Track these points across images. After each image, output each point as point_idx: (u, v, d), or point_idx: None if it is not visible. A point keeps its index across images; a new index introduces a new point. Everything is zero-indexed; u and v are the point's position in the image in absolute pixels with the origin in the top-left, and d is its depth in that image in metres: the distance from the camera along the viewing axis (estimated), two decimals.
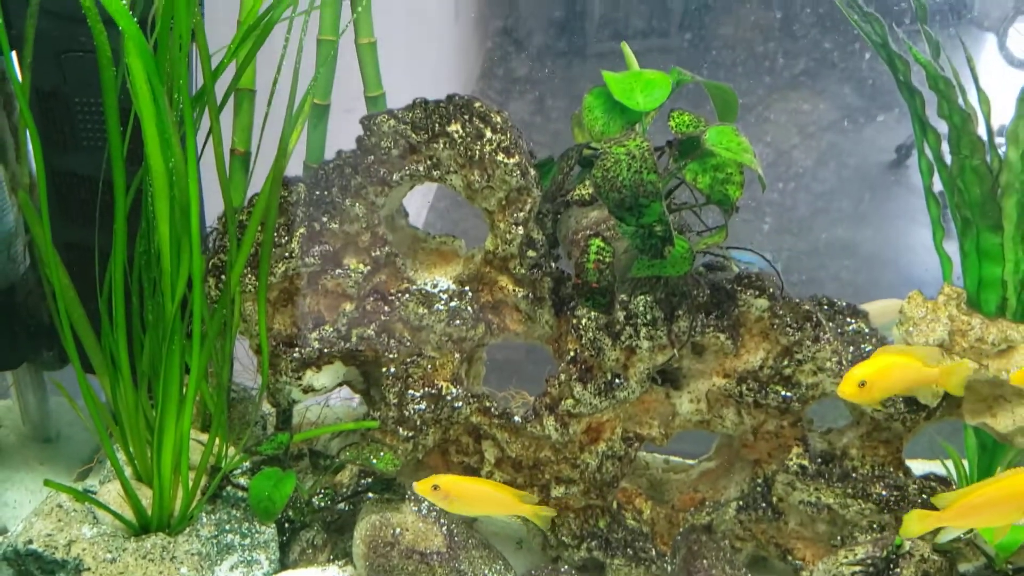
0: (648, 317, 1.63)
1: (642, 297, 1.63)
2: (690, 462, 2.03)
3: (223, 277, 1.69)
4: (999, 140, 1.78)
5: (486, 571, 1.69)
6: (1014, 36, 2.67)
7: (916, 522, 1.50)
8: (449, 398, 1.75)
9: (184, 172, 1.36)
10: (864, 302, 1.91)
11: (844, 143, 2.07)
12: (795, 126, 2.03)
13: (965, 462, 2.01)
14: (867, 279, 2.05)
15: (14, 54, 1.57)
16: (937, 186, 1.87)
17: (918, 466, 2.20)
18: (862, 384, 1.51)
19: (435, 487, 1.58)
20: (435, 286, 1.76)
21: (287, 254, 1.70)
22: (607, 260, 1.60)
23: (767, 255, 1.73)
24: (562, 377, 1.70)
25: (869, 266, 2.08)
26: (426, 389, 1.76)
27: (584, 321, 1.66)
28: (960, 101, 1.68)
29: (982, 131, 1.76)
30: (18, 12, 1.52)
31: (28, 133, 1.44)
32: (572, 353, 1.70)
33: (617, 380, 1.67)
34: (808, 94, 2.07)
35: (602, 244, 1.60)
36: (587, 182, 1.70)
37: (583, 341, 1.66)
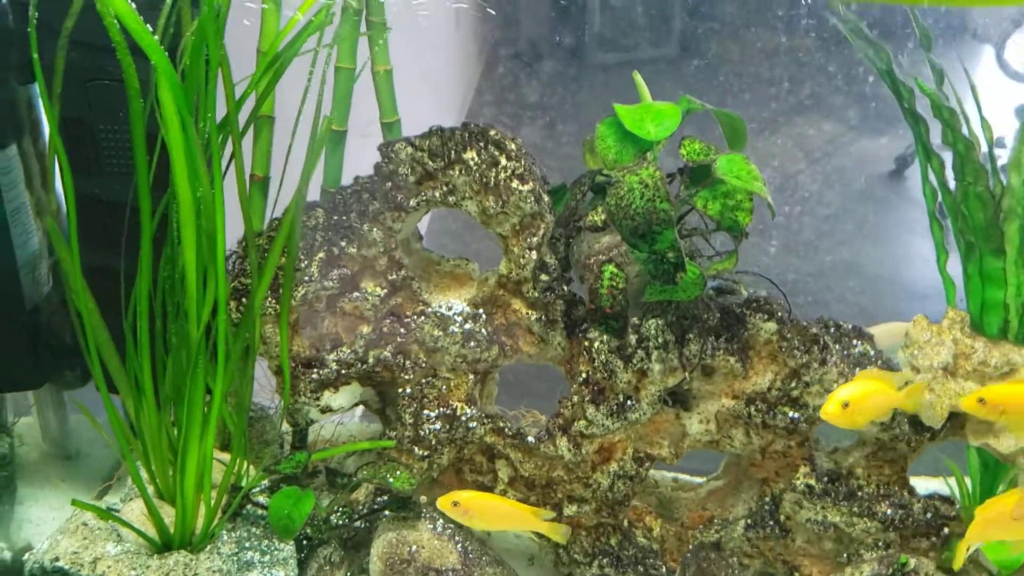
0: (659, 340, 1.67)
1: (653, 321, 1.67)
2: (699, 480, 2.07)
3: (244, 300, 1.73)
4: (999, 152, 1.82)
5: None
6: (1012, 48, 2.71)
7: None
8: (464, 418, 1.79)
9: (211, 202, 1.40)
10: (869, 322, 1.95)
11: (849, 166, 2.12)
12: (801, 150, 2.08)
13: (968, 480, 2.04)
14: (871, 300, 2.10)
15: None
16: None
17: (922, 483, 2.25)
18: (846, 406, 1.56)
19: (455, 503, 1.63)
20: (450, 308, 1.80)
21: (307, 278, 1.74)
22: (620, 286, 1.64)
23: (773, 279, 1.78)
24: (575, 399, 1.74)
25: (874, 286, 2.13)
26: (441, 409, 1.80)
27: (597, 344, 1.70)
28: (963, 130, 1.72)
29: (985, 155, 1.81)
30: (47, 42, 1.56)
31: (57, 160, 1.48)
32: (584, 375, 1.74)
33: (629, 402, 1.71)
34: (815, 118, 2.12)
35: (615, 271, 1.64)
36: (599, 208, 1.74)
37: (595, 364, 1.70)
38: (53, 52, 1.49)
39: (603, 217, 1.73)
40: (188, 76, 1.40)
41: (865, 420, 1.59)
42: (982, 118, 1.82)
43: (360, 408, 1.99)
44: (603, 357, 1.69)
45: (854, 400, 1.55)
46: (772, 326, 1.73)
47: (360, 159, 1.96)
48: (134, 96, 1.36)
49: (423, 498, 1.86)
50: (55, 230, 1.51)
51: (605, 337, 1.69)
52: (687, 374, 1.69)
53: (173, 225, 1.52)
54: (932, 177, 1.92)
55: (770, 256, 1.84)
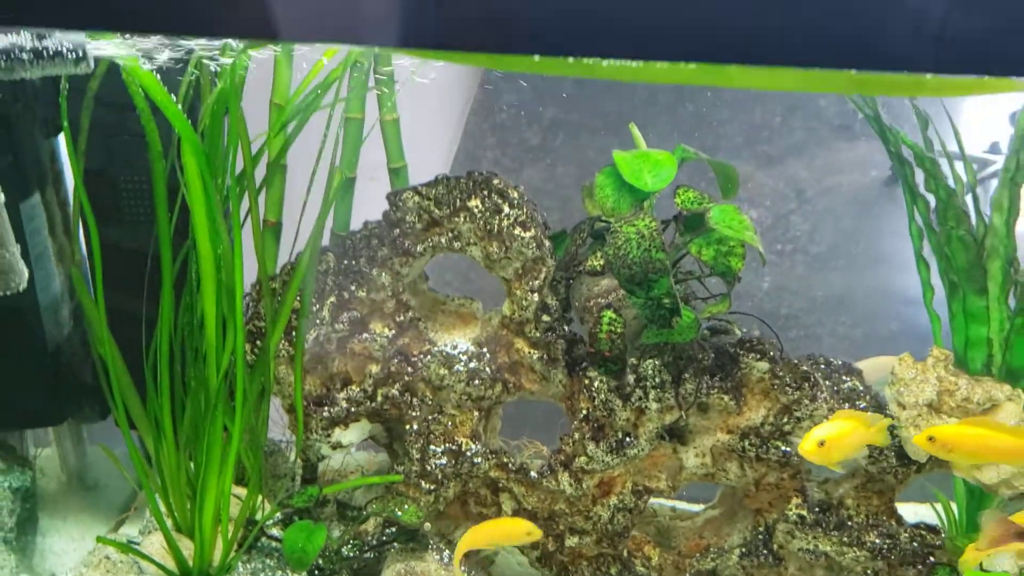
0: (656, 380, 1.75)
1: (650, 361, 1.75)
2: (695, 508, 2.14)
3: (258, 343, 1.81)
4: (995, 157, 1.89)
5: None
6: None
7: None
8: (469, 454, 1.87)
9: (231, 258, 1.47)
10: (859, 356, 2.03)
11: (839, 206, 2.20)
12: (793, 191, 2.16)
13: (954, 505, 2.12)
14: (863, 333, 2.17)
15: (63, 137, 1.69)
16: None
17: (910, 509, 2.32)
18: (821, 444, 1.64)
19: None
20: (455, 347, 1.87)
21: (318, 321, 1.81)
22: (618, 331, 1.71)
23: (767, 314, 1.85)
24: (576, 436, 1.82)
25: (865, 320, 2.20)
26: (447, 445, 1.88)
27: (596, 383, 1.77)
28: (947, 178, 1.80)
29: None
30: (71, 100, 1.63)
31: (82, 212, 1.56)
32: (585, 411, 1.82)
33: (628, 439, 1.78)
34: (806, 159, 2.20)
35: (614, 316, 1.71)
36: (598, 254, 1.82)
37: (595, 402, 1.78)
38: (77, 109, 1.57)
39: (601, 262, 1.80)
40: (208, 137, 1.48)
41: (840, 456, 1.68)
42: (965, 159, 1.91)
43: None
44: (603, 396, 1.77)
45: (830, 439, 1.64)
46: (764, 365, 1.80)
47: (367, 199, 2.04)
48: (156, 158, 1.44)
49: (427, 525, 1.94)
50: (79, 279, 1.58)
51: (604, 377, 1.77)
52: (683, 412, 1.77)
53: (192, 275, 1.60)
54: (918, 217, 2.00)
55: (763, 292, 1.91)
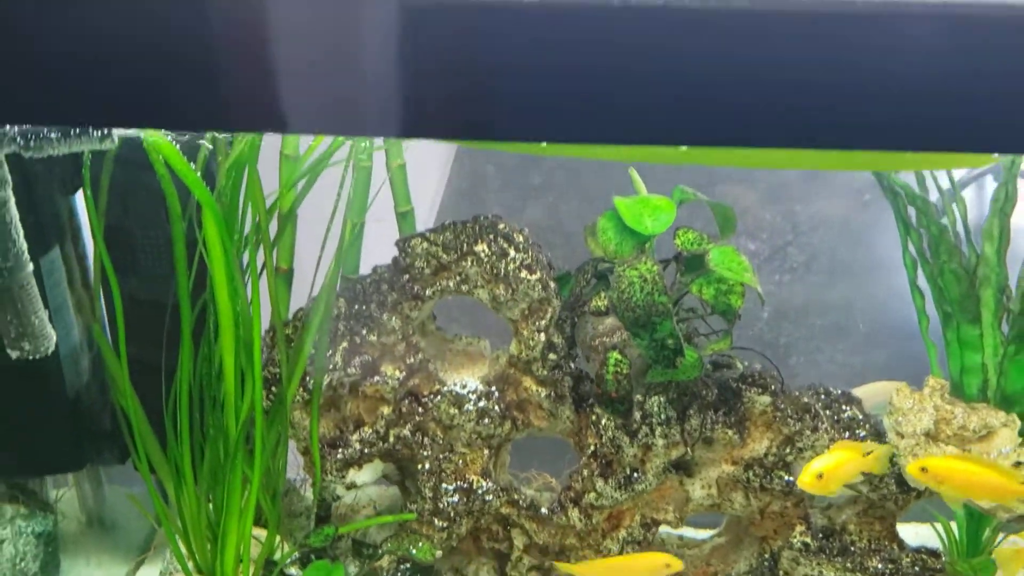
0: (662, 417, 1.80)
1: (656, 398, 1.80)
2: (703, 535, 2.19)
3: (274, 389, 1.86)
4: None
5: None
6: None
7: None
8: (480, 491, 1.92)
9: (248, 315, 1.53)
10: (859, 382, 2.09)
11: (834, 238, 2.25)
12: (789, 223, 2.22)
13: (954, 525, 2.17)
14: (861, 361, 2.23)
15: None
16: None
17: (911, 529, 2.37)
18: (820, 476, 1.70)
19: None
20: (464, 387, 1.93)
21: (331, 366, 1.87)
22: (624, 372, 1.77)
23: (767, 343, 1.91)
24: (584, 472, 1.87)
25: (863, 347, 2.26)
26: (458, 483, 1.93)
27: (604, 421, 1.83)
28: (939, 215, 1.86)
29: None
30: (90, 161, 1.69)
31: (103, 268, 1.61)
32: (593, 447, 1.87)
33: (635, 474, 1.84)
34: (799, 194, 2.26)
35: (619, 357, 1.77)
36: (602, 294, 1.88)
37: (603, 439, 1.83)
38: (97, 166, 1.62)
39: (606, 303, 1.86)
40: (225, 198, 1.53)
41: (837, 486, 1.74)
42: (956, 194, 1.97)
43: None
44: (610, 433, 1.82)
45: (827, 471, 1.70)
46: (766, 399, 1.86)
47: (376, 242, 2.10)
48: (176, 220, 1.49)
49: (438, 552, 1.98)
50: (101, 335, 1.64)
51: (611, 415, 1.82)
52: (689, 448, 1.82)
53: (211, 327, 1.66)
54: (911, 248, 2.05)
55: (764, 321, 1.97)
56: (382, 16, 0.81)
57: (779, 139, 0.85)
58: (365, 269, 1.98)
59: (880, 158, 1.13)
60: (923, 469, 1.69)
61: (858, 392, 2.04)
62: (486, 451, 1.94)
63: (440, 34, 0.83)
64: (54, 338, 1.58)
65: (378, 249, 2.02)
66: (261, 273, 1.73)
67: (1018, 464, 1.79)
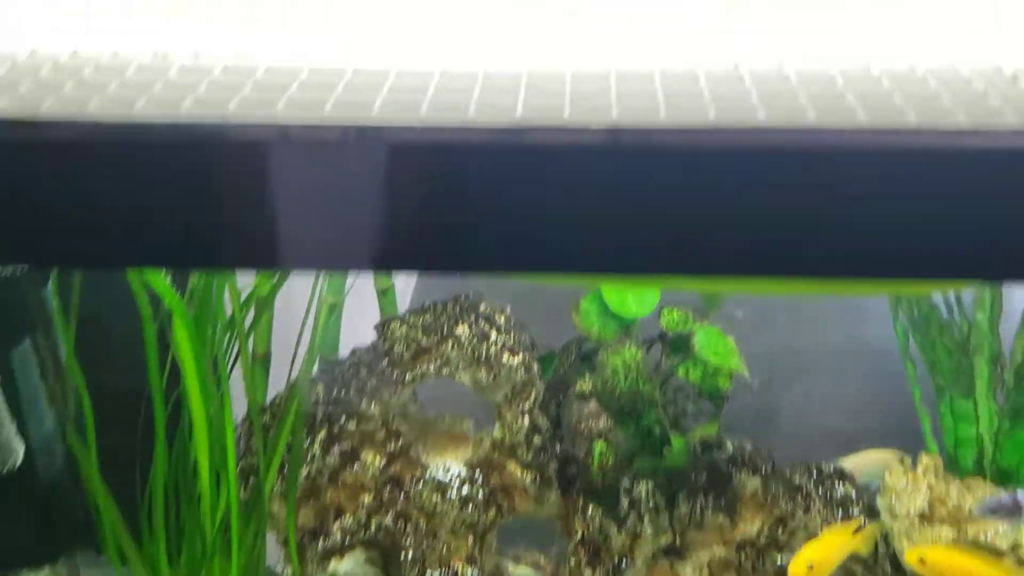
0: (650, 504, 1.76)
1: (644, 485, 1.76)
2: None
3: (250, 479, 1.81)
4: None
5: None
6: None
7: None
8: None
9: (222, 418, 1.49)
10: (852, 449, 2.05)
11: (823, 304, 2.23)
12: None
13: None
14: (855, 428, 2.19)
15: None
16: None
17: None
18: (811, 567, 1.66)
19: None
20: (447, 471, 1.88)
21: (309, 456, 1.82)
22: (610, 462, 1.73)
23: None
24: (572, 561, 1.82)
25: (856, 415, 2.23)
26: (443, 570, 1.87)
27: (591, 510, 1.78)
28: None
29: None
30: None
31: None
32: (580, 534, 1.82)
33: (624, 562, 1.79)
34: None
35: (604, 448, 1.73)
36: (587, 377, 1.84)
37: (591, 528, 1.79)
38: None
39: (590, 387, 1.82)
40: (197, 304, 1.50)
41: (829, 571, 1.70)
42: None
43: None
44: (597, 522, 1.78)
45: (817, 561, 1.66)
46: (756, 481, 1.81)
47: (356, 313, 2.07)
48: (147, 322, 1.46)
49: None
50: (75, 439, 1.59)
51: (598, 503, 1.77)
52: (678, 536, 1.78)
53: (185, 424, 1.62)
54: (903, 316, 2.02)
55: (754, 391, 1.94)
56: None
57: (753, 269, 0.82)
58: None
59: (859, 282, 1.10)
60: (921, 560, 1.64)
61: (851, 460, 2.01)
62: (471, 537, 1.89)
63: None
64: (21, 451, 1.54)
65: (358, 323, 1.99)
66: (237, 360, 1.69)
67: (1016, 546, 1.75)
